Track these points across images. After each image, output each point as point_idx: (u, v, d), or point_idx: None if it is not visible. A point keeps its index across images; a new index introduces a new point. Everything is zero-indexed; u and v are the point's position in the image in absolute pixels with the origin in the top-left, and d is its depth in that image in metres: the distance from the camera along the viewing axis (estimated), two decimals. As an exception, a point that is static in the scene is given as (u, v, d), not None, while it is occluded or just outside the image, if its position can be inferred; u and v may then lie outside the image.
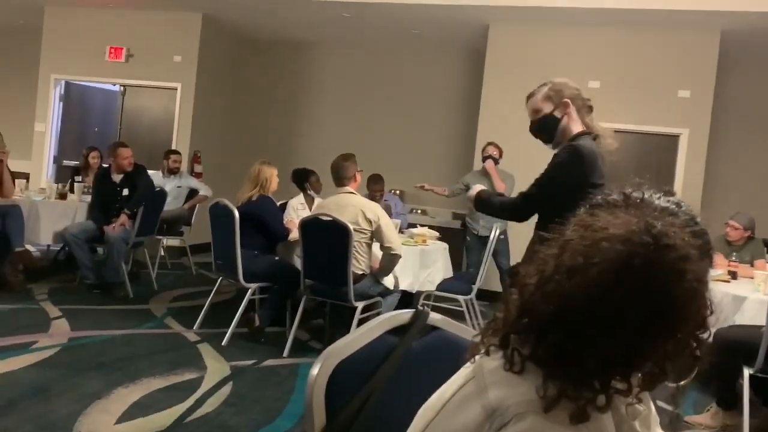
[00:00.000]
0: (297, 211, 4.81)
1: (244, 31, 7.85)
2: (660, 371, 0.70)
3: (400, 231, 5.24)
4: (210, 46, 7.38)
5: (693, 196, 5.97)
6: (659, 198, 0.76)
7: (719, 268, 4.43)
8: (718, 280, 4.06)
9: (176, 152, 6.58)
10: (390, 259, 3.83)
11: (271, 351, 3.89)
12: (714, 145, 6.16)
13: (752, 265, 4.39)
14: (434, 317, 1.14)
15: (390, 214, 4.57)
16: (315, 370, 0.99)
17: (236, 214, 3.99)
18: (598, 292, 0.65)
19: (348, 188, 3.91)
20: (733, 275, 4.20)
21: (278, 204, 5.24)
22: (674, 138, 6.08)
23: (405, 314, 1.14)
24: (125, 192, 5.17)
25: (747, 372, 3.09)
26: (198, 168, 7.30)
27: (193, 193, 6.50)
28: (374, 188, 5.57)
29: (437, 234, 5.20)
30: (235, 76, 8.03)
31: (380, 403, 0.99)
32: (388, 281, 4.08)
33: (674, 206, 0.75)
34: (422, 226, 5.55)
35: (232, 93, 8.00)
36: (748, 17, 5.45)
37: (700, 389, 3.96)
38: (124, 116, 7.63)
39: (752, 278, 3.93)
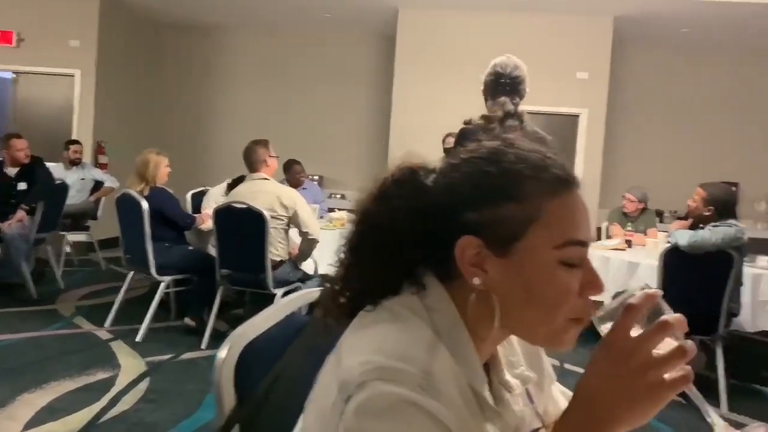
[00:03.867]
0: (217, 201, 4.69)
1: (149, 14, 7.50)
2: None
3: (319, 216, 5.26)
4: (111, 31, 6.99)
5: (593, 172, 6.36)
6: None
7: (617, 237, 4.78)
8: (615, 249, 4.37)
9: (76, 142, 6.22)
10: (308, 245, 3.84)
11: (190, 343, 3.81)
12: (611, 124, 6.57)
13: (645, 234, 4.76)
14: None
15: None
16: (222, 353, 0.99)
17: (145, 204, 3.85)
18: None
19: (262, 174, 3.86)
20: (629, 244, 4.54)
21: (199, 189, 5.12)
22: (575, 117, 6.43)
23: (315, 292, 1.16)
24: (21, 186, 4.85)
25: (641, 331, 3.36)
26: (102, 159, 6.95)
27: (98, 185, 6.19)
28: (294, 171, 5.62)
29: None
30: (141, 61, 7.67)
31: (292, 382, 0.99)
32: (308, 266, 4.09)
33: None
34: (341, 210, 5.58)
35: (138, 79, 7.64)
36: (638, 2, 5.82)
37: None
38: (17, 105, 7.11)
39: (645, 246, 4.26)
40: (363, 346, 0.69)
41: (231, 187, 4.24)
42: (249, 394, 0.98)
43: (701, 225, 3.44)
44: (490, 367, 0.78)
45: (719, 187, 3.54)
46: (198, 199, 4.96)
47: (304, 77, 7.59)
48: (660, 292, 0.64)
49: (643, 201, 5.13)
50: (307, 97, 7.55)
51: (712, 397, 3.28)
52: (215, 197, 4.70)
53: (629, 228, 5.00)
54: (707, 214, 3.42)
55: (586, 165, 6.36)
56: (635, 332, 0.63)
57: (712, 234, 3.23)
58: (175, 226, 4.15)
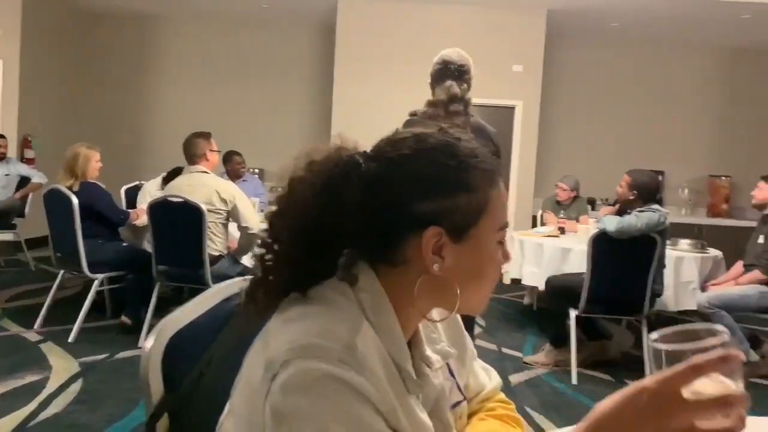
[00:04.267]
0: (153, 195, 4.57)
1: (80, 3, 7.18)
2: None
3: (260, 210, 5.20)
4: (37, 19, 6.65)
5: (528, 163, 6.56)
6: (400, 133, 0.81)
7: (550, 225, 4.96)
8: (549, 236, 4.54)
9: (0, 136, 5.91)
10: (248, 239, 3.79)
11: (126, 342, 3.71)
12: (545, 115, 6.78)
13: (578, 221, 4.95)
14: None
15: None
16: (148, 344, 0.98)
17: (74, 200, 3.71)
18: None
19: (200, 167, 3.78)
20: (562, 230, 4.72)
21: (134, 184, 4.96)
22: (510, 109, 6.60)
23: (244, 281, 1.16)
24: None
25: (573, 313, 3.51)
26: (29, 153, 6.63)
27: (24, 181, 5.90)
28: (234, 162, 5.59)
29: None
30: (71, 52, 7.34)
31: (221, 370, 0.99)
32: (248, 261, 4.04)
33: (413, 139, 0.78)
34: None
35: (68, 71, 7.30)
36: (568, -2, 6.02)
37: (537, 333, 4.44)
38: (-69, 98, 6.67)
39: (576, 232, 4.44)
40: (289, 328, 0.71)
41: (166, 180, 4.13)
42: (177, 383, 0.98)
43: (628, 210, 3.61)
44: (412, 343, 0.81)
45: (643, 173, 3.72)
46: (132, 194, 4.82)
47: (243, 68, 7.46)
48: (741, 356, 0.56)
49: (575, 189, 5.33)
50: (247, 88, 7.43)
51: (638, 374, 3.46)
52: (150, 192, 4.58)
53: (562, 216, 5.20)
54: (631, 198, 3.60)
55: (521, 156, 6.55)
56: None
57: (638, 220, 3.40)
58: (107, 222, 4.02)
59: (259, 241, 0.80)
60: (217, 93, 7.47)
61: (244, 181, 5.91)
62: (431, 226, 0.74)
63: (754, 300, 3.67)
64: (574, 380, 3.44)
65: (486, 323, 4.70)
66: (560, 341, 3.70)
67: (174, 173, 4.09)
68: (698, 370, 0.55)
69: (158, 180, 4.64)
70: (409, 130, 0.80)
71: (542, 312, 5.04)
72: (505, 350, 4.03)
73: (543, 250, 4.20)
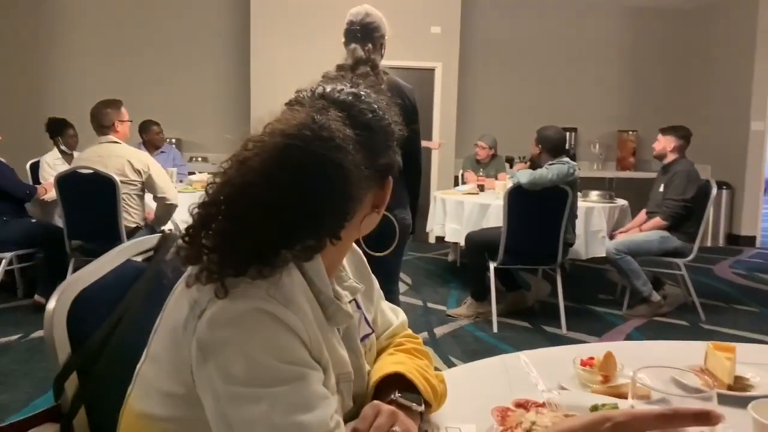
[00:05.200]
0: (54, 167, 4.34)
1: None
2: (318, 244, 0.75)
3: (179, 180, 5.06)
4: None
5: (449, 124, 6.68)
6: (340, 92, 0.81)
7: (470, 183, 5.11)
8: (468, 194, 4.68)
9: None
10: (165, 209, 3.69)
11: (39, 322, 3.54)
12: (463, 77, 6.89)
13: (497, 178, 5.13)
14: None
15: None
16: (51, 304, 0.98)
17: (-28, 176, 3.48)
18: (258, 179, 0.70)
19: (111, 137, 3.62)
20: (481, 188, 4.88)
21: (36, 159, 4.68)
22: (430, 71, 6.66)
23: (152, 239, 1.16)
24: None
25: (492, 266, 3.67)
26: None
27: None
28: (152, 132, 5.39)
29: (218, 179, 5.11)
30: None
31: (133, 325, 0.99)
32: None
33: (352, 97, 0.81)
34: (201, 173, 5.40)
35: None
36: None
37: (460, 288, 4.61)
38: None
39: (494, 189, 4.60)
40: None
41: (49, 126, 3.96)
42: (85, 341, 0.97)
43: (540, 165, 3.79)
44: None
45: (549, 128, 3.90)
46: (38, 169, 4.56)
47: (155, 34, 7.08)
48: (720, 421, 0.56)
49: (493, 147, 5.50)
50: (160, 56, 7.07)
51: (554, 320, 3.69)
52: (49, 163, 4.37)
53: (482, 174, 5.36)
54: (538, 152, 3.80)
55: (442, 117, 6.65)
56: None
57: (548, 171, 3.58)
58: (11, 199, 3.80)
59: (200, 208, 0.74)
60: (128, 60, 7.07)
61: (161, 151, 5.71)
62: (389, 176, 0.83)
63: (655, 245, 3.96)
64: (495, 329, 3.62)
65: (412, 280, 4.83)
66: (481, 294, 3.86)
67: (53, 124, 3.92)
68: (667, 419, 0.56)
69: (55, 150, 4.43)
70: (350, 91, 0.82)
71: (465, 267, 5.23)
72: (430, 305, 4.17)
73: (463, 208, 4.34)
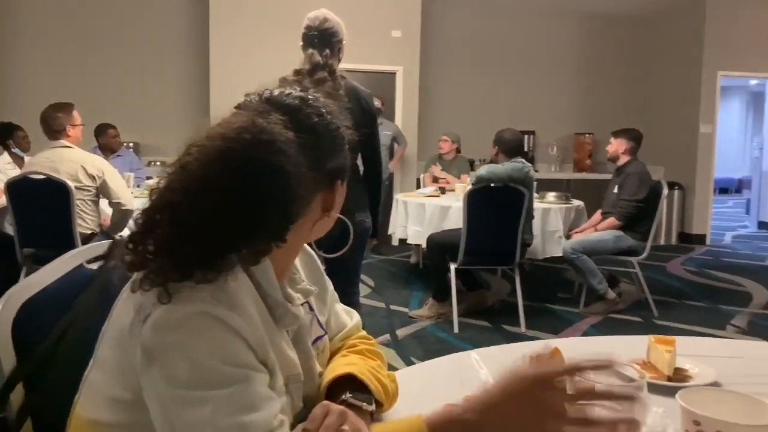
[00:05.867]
0: (5, 172, 4.21)
1: None
2: (264, 247, 0.75)
3: (136, 185, 4.97)
4: None
5: (411, 127, 6.74)
6: (287, 96, 0.82)
7: (434, 174, 5.17)
8: (430, 196, 4.74)
9: None
10: (121, 215, 3.62)
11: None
12: (425, 80, 6.96)
13: (459, 179, 5.21)
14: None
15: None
16: (-5, 314, 0.95)
17: None
18: (198, 184, 0.70)
19: (63, 142, 3.54)
20: (442, 190, 4.94)
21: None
22: (392, 75, 6.71)
23: (103, 245, 1.14)
24: None
25: (452, 266, 3.72)
26: None
27: None
28: (108, 135, 5.29)
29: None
30: None
31: (79, 336, 0.98)
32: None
33: (299, 101, 0.82)
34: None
35: None
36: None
37: (422, 289, 4.66)
38: None
39: (455, 191, 4.67)
40: None
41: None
42: (31, 350, 0.95)
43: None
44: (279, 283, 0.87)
45: (506, 130, 4.01)
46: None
47: (112, 35, 6.92)
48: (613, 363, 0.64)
49: (456, 142, 5.61)
50: (117, 57, 6.92)
51: (514, 319, 3.76)
52: (0, 169, 4.24)
53: (442, 174, 5.42)
54: (496, 154, 3.91)
55: (404, 121, 6.70)
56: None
57: (503, 167, 3.71)
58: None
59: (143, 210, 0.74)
60: (83, 62, 6.90)
61: (118, 155, 5.61)
62: (338, 179, 0.84)
63: (610, 244, 4.08)
64: (456, 329, 3.67)
65: (375, 283, 4.85)
66: (442, 294, 3.91)
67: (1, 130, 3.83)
68: (577, 369, 0.64)
69: (5, 155, 4.30)
70: (297, 95, 0.83)
71: (428, 269, 5.28)
72: (392, 307, 4.20)
73: (425, 210, 4.39)
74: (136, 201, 3.72)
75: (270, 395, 0.70)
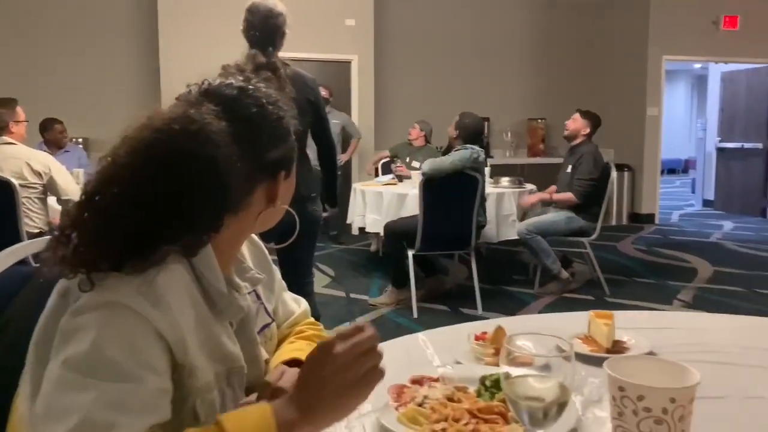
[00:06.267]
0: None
1: None
2: (199, 238, 0.75)
3: (86, 181, 4.84)
4: None
5: (367, 116, 6.74)
6: (226, 86, 0.82)
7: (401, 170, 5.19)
8: (387, 185, 4.77)
9: None
10: (71, 211, 3.53)
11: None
12: (380, 69, 6.96)
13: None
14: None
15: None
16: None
17: None
18: (125, 174, 0.71)
19: (5, 138, 3.41)
20: (399, 178, 4.97)
21: None
22: (347, 64, 6.69)
23: (39, 242, 1.13)
24: None
25: (410, 253, 3.76)
26: None
27: None
28: (55, 131, 5.12)
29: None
30: None
31: (20, 333, 0.96)
32: (75, 235, 3.77)
33: (237, 92, 0.82)
34: (111, 172, 5.18)
35: None
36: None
37: (382, 277, 4.69)
38: None
39: (411, 179, 4.70)
40: None
41: None
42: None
43: (454, 149, 3.93)
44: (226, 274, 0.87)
45: (468, 115, 4.06)
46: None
47: (58, 28, 6.65)
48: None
49: (424, 131, 5.66)
50: (64, 51, 6.67)
51: (471, 302, 3.83)
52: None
53: (406, 161, 5.44)
54: (455, 138, 3.95)
55: (360, 110, 6.70)
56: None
57: (449, 157, 3.75)
58: None
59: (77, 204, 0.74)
60: (27, 54, 6.64)
61: (66, 151, 5.45)
62: (282, 170, 0.84)
63: (562, 225, 4.19)
64: (415, 314, 3.72)
65: (335, 272, 4.87)
66: (401, 281, 3.95)
67: None
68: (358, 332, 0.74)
69: None
70: (237, 85, 0.83)
71: (387, 256, 5.32)
72: (353, 295, 4.22)
73: (382, 198, 4.41)
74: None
75: (155, 405, 0.67)
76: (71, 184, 3.54)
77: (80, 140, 6.37)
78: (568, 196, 4.22)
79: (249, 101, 0.82)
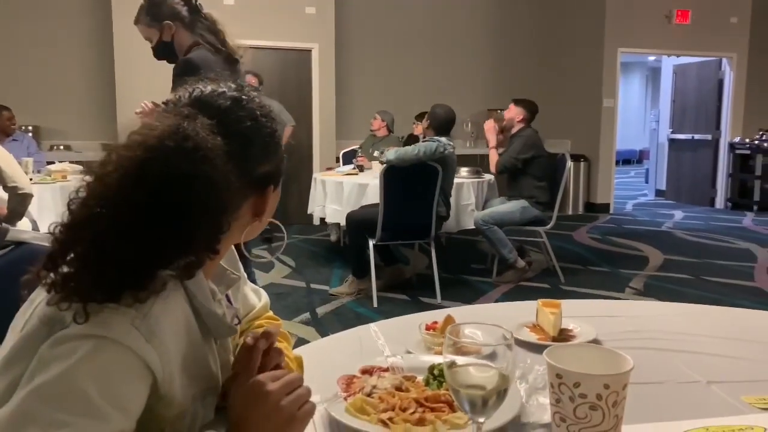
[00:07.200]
0: None
1: None
2: (197, 261, 0.71)
3: (36, 170, 4.69)
4: None
5: (328, 105, 6.70)
6: (220, 95, 0.78)
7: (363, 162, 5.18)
8: (348, 174, 4.76)
9: None
10: (19, 201, 3.40)
11: None
12: (341, 58, 6.92)
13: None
14: (19, 233, 1.11)
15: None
16: None
17: None
18: (116, 199, 0.65)
19: (-53, 126, 3.27)
20: (360, 168, 4.97)
21: None
22: (307, 52, 6.62)
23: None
24: None
25: (371, 242, 3.78)
26: None
27: None
28: (3, 118, 4.95)
29: (81, 168, 4.78)
30: None
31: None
32: (25, 225, 3.65)
33: (231, 103, 0.78)
34: (62, 162, 5.02)
35: None
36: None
37: (343, 267, 4.70)
38: None
39: (371, 169, 4.71)
40: None
41: None
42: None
43: (423, 140, 3.99)
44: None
45: (441, 106, 4.13)
46: None
47: (6, 12, 6.36)
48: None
49: (385, 120, 5.67)
50: (11, 34, 6.39)
51: (430, 291, 3.87)
52: None
53: (370, 151, 5.45)
54: (427, 128, 4.01)
55: (321, 99, 6.65)
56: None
57: (415, 148, 3.77)
58: None
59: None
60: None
61: (14, 139, 5.27)
62: (270, 184, 0.82)
63: (517, 215, 4.27)
64: (375, 304, 3.75)
65: (295, 263, 4.85)
66: (361, 271, 3.96)
67: None
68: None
69: None
70: (231, 95, 0.79)
71: (348, 247, 5.33)
72: (313, 286, 4.22)
73: (343, 188, 4.40)
74: (36, 187, 3.51)
75: None
76: (18, 171, 3.40)
77: (30, 128, 6.15)
78: (493, 157, 4.43)
79: (242, 114, 0.78)
